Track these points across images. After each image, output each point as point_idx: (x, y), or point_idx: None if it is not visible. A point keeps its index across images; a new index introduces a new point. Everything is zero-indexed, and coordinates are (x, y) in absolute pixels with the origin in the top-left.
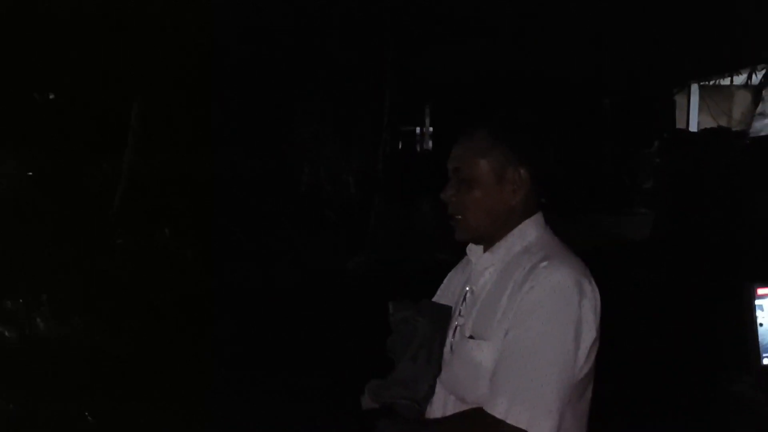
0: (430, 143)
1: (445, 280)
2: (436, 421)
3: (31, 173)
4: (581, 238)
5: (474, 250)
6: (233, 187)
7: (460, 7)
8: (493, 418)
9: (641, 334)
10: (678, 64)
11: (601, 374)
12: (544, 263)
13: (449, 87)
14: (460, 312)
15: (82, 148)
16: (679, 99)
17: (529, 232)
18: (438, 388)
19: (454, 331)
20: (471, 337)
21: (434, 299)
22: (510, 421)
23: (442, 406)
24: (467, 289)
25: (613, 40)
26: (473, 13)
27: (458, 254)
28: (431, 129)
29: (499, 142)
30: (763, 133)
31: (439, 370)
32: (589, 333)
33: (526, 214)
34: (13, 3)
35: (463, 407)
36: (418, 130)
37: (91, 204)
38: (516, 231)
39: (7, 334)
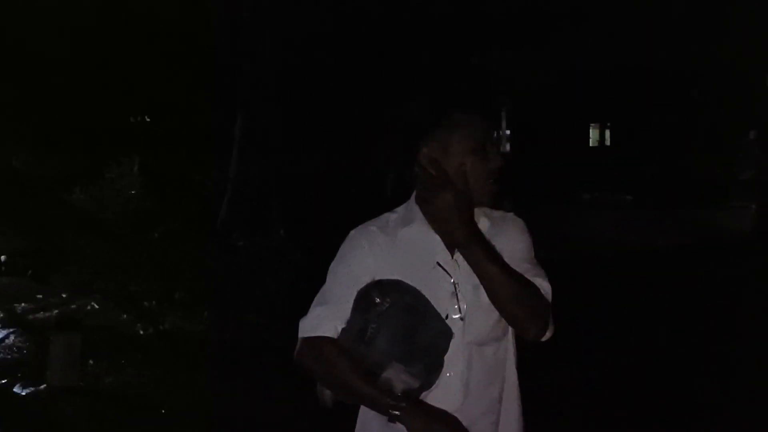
0: (507, 146)
1: (359, 260)
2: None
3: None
4: (674, 233)
5: (414, 228)
6: (329, 192)
7: (540, 4)
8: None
9: (746, 327)
10: None
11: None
12: (507, 214)
13: (526, 89)
14: (453, 282)
15: (189, 153)
16: None
17: None
18: (461, 350)
19: (455, 294)
20: (479, 284)
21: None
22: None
23: (464, 358)
24: (455, 259)
25: (702, 29)
26: (553, 10)
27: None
28: (508, 132)
29: None
30: None
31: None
32: None
33: None
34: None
35: (493, 346)
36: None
37: (203, 207)
38: None
39: (143, 330)
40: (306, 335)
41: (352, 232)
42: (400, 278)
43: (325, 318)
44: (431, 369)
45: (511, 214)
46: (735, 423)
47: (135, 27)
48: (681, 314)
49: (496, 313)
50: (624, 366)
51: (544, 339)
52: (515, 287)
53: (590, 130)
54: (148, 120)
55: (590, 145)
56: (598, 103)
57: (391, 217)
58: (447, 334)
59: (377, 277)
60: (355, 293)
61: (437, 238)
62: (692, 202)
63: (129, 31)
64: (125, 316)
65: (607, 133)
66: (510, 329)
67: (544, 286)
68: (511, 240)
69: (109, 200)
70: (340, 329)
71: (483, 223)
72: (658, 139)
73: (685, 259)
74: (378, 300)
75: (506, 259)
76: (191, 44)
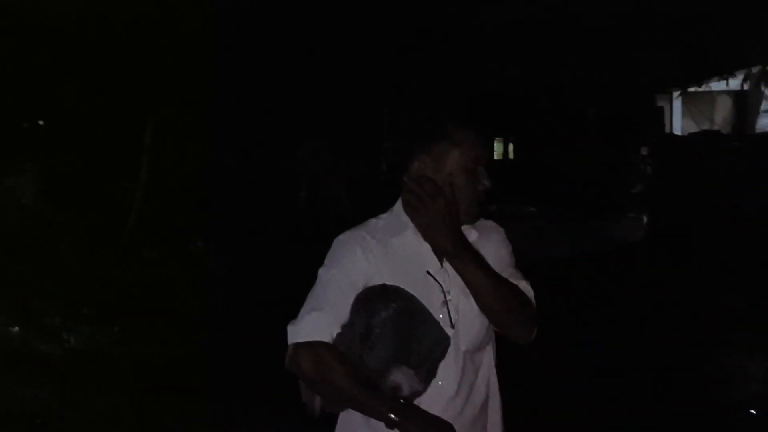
0: None
1: (351, 266)
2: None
3: (47, 188)
4: (575, 242)
5: (405, 236)
6: (233, 200)
7: (449, 18)
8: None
9: (636, 332)
10: (660, 73)
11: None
12: (489, 223)
13: (436, 100)
14: (443, 288)
15: (97, 162)
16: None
17: None
18: (449, 355)
19: (446, 303)
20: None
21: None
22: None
23: (458, 366)
24: (444, 268)
25: (596, 49)
26: (462, 25)
27: None
28: None
29: None
30: None
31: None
32: None
33: None
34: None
35: (475, 355)
36: None
37: (111, 217)
38: None
39: (47, 347)
40: (302, 340)
41: (342, 237)
42: (395, 283)
43: (321, 324)
44: (428, 376)
45: (492, 222)
46: None
47: (41, 25)
48: (582, 318)
49: (485, 319)
50: (534, 372)
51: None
52: (502, 293)
53: (494, 144)
54: (43, 123)
55: (494, 158)
56: (502, 118)
57: (378, 224)
58: (444, 341)
59: (370, 284)
60: (351, 298)
61: (427, 246)
62: (590, 213)
63: (31, 28)
64: (27, 332)
65: (511, 147)
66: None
67: (528, 289)
68: (495, 247)
69: (6, 209)
70: (335, 335)
71: (471, 235)
72: (558, 154)
73: (585, 266)
74: (382, 305)
75: (492, 266)
76: (98, 45)
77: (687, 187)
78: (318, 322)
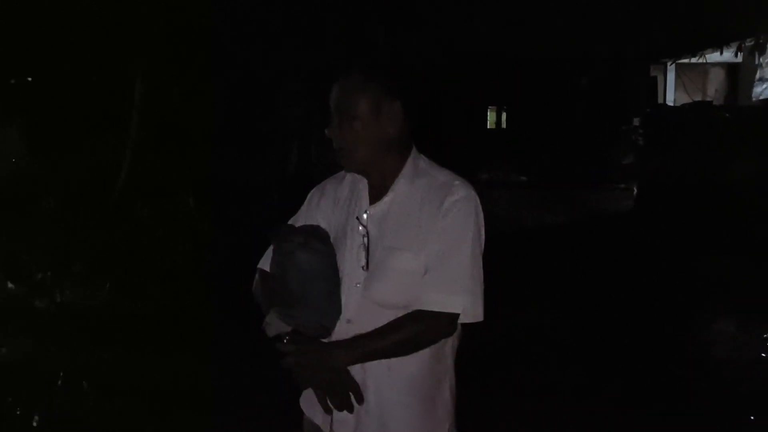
0: None
1: (305, 209)
2: (376, 331)
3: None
4: (564, 212)
5: (355, 182)
6: (224, 160)
7: None
8: (432, 312)
9: (626, 304)
10: (654, 43)
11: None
12: (455, 182)
13: (430, 67)
14: (364, 234)
15: (86, 123)
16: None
17: (420, 163)
18: (363, 303)
19: (365, 249)
20: (393, 248)
21: (299, 223)
22: (448, 310)
23: (373, 317)
24: (365, 213)
25: (591, 19)
26: None
27: None
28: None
29: (372, 80)
30: (762, 97)
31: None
32: (483, 236)
33: (402, 144)
34: None
35: (397, 313)
36: None
37: (102, 174)
38: (410, 162)
39: (38, 302)
40: (258, 267)
41: (316, 186)
42: (333, 224)
43: (270, 253)
44: (327, 315)
45: (455, 183)
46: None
47: None
48: (572, 283)
49: (403, 284)
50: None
51: (473, 321)
52: (394, 350)
53: (488, 113)
54: (30, 80)
55: (488, 127)
56: (496, 87)
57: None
58: (338, 286)
59: (318, 224)
60: None
61: (359, 193)
62: (580, 183)
63: None
64: (18, 288)
65: (504, 116)
66: None
67: (436, 298)
68: (429, 211)
69: None
70: None
71: (401, 183)
72: (550, 124)
73: (574, 235)
74: (287, 240)
75: (416, 227)
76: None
77: (677, 158)
78: (268, 253)
